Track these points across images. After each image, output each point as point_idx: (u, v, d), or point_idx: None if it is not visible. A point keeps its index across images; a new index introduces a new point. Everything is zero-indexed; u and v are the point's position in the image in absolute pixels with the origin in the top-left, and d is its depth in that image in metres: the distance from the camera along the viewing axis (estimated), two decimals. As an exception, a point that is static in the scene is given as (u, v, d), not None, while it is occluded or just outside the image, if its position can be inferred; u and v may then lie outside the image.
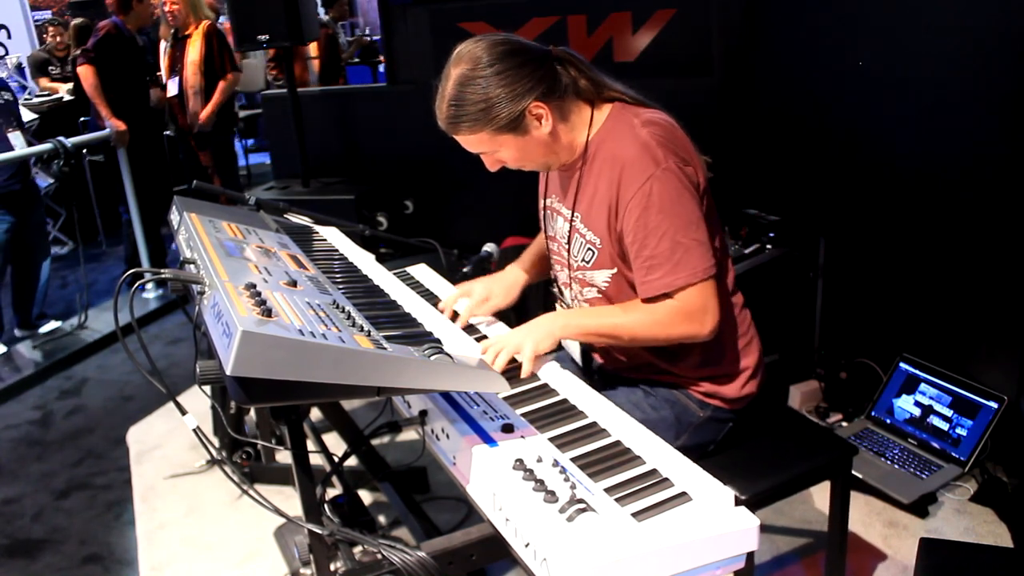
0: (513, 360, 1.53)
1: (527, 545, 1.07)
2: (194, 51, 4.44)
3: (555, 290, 1.80)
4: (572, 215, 1.62)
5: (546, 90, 1.47)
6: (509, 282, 1.86)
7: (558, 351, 1.69)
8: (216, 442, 2.80)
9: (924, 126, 2.54)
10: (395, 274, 2.00)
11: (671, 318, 1.47)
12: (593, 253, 1.58)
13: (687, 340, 1.52)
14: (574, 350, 1.75)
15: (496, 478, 1.16)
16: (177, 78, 4.55)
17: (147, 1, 4.52)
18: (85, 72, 4.31)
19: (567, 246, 1.65)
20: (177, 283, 1.40)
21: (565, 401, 1.41)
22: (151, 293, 4.63)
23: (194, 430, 1.37)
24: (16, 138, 3.91)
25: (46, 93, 6.56)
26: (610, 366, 1.73)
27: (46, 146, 3.93)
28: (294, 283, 1.40)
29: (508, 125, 1.46)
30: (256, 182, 6.52)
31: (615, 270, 1.56)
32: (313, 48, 6.06)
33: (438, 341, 1.43)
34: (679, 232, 1.43)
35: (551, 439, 1.27)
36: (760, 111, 3.21)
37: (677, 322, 1.47)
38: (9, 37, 8.30)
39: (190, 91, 4.48)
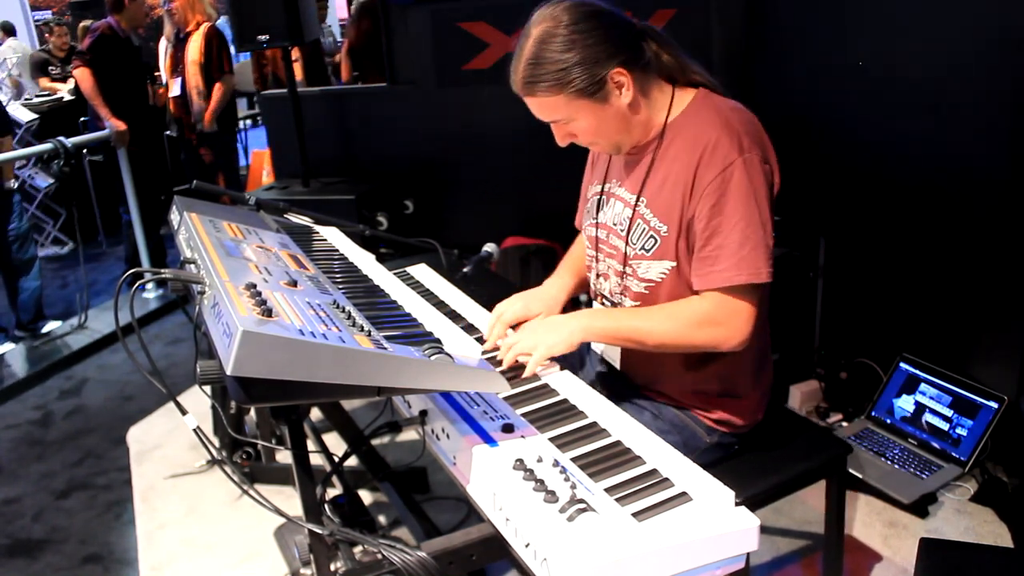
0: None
1: (527, 545, 1.07)
2: (194, 51, 4.46)
3: (591, 284, 1.72)
4: (637, 200, 1.52)
5: (630, 58, 1.39)
6: (550, 297, 1.72)
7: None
8: (216, 442, 2.80)
9: (924, 126, 2.54)
10: (395, 274, 2.00)
11: (701, 317, 1.42)
12: (655, 241, 1.48)
13: (713, 348, 1.45)
14: (612, 355, 1.67)
15: (496, 478, 1.16)
16: (180, 78, 4.57)
17: (140, 1, 4.52)
18: (82, 74, 4.31)
19: (625, 233, 1.55)
20: (177, 283, 1.40)
21: (565, 401, 1.41)
22: (151, 293, 4.63)
23: (194, 430, 1.36)
24: None
25: (46, 93, 6.57)
26: (630, 371, 1.67)
27: (46, 146, 3.92)
28: (294, 283, 1.40)
29: (587, 89, 1.38)
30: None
31: (675, 263, 1.47)
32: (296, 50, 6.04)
33: (438, 341, 1.43)
34: (751, 227, 1.37)
35: (551, 439, 1.27)
36: (760, 111, 3.19)
37: (705, 322, 1.42)
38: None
39: (193, 92, 4.50)
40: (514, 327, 1.64)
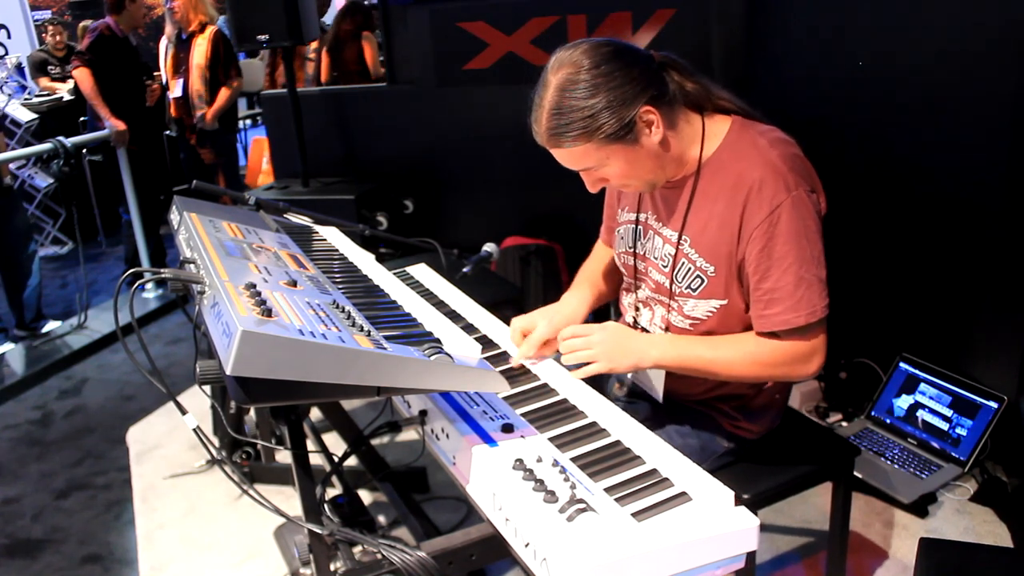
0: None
1: (527, 545, 1.07)
2: (200, 54, 4.46)
3: (623, 306, 1.68)
4: (679, 238, 1.49)
5: (656, 94, 1.35)
6: (571, 315, 1.67)
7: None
8: (216, 442, 2.80)
9: (923, 126, 2.54)
10: (395, 274, 2.00)
11: (778, 357, 1.41)
12: (702, 281, 1.47)
13: (788, 380, 1.48)
14: (657, 382, 1.61)
15: (496, 478, 1.16)
16: (182, 80, 4.56)
17: (140, 1, 4.53)
18: (81, 75, 4.32)
19: (668, 270, 1.52)
20: (177, 283, 1.40)
21: (565, 401, 1.41)
22: (151, 293, 4.63)
23: (194, 430, 1.37)
24: None
25: (46, 93, 6.56)
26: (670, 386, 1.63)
27: (46, 146, 3.92)
28: (294, 283, 1.40)
29: (617, 134, 1.33)
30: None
31: (725, 301, 1.45)
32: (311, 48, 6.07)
33: (438, 341, 1.43)
34: (804, 266, 1.36)
35: (551, 439, 1.27)
36: (760, 111, 3.20)
37: (782, 362, 1.41)
38: (9, 37, 8.31)
39: (195, 94, 4.50)
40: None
